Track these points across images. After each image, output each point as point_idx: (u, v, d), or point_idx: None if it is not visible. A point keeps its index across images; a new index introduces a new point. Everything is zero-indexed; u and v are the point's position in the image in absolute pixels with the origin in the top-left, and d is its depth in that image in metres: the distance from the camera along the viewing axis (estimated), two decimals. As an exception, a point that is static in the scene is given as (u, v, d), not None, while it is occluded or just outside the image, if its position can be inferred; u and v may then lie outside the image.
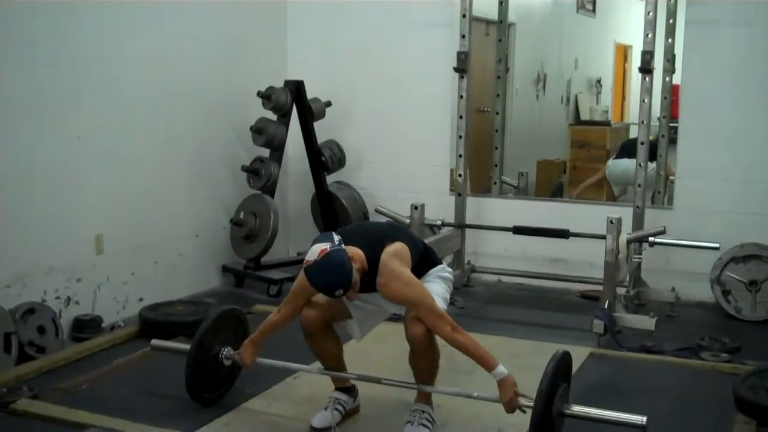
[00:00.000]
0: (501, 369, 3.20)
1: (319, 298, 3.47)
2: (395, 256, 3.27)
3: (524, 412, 3.15)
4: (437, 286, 3.48)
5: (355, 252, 3.20)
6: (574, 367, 4.23)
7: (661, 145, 6.29)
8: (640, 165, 5.32)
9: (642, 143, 5.31)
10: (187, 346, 3.74)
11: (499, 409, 3.23)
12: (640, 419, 3.08)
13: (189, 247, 5.79)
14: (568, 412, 3.21)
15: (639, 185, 5.35)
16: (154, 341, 4.08)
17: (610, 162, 7.35)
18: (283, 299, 5.57)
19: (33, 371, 4.14)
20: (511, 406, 3.19)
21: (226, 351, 3.73)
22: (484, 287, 6.11)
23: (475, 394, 3.34)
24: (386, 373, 3.66)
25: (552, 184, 7.63)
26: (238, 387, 3.93)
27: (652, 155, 5.92)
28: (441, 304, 3.41)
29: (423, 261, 3.51)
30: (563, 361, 3.28)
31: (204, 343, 3.70)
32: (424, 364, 3.43)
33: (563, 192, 7.51)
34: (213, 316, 3.79)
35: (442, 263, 3.65)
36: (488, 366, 3.21)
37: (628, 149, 6.95)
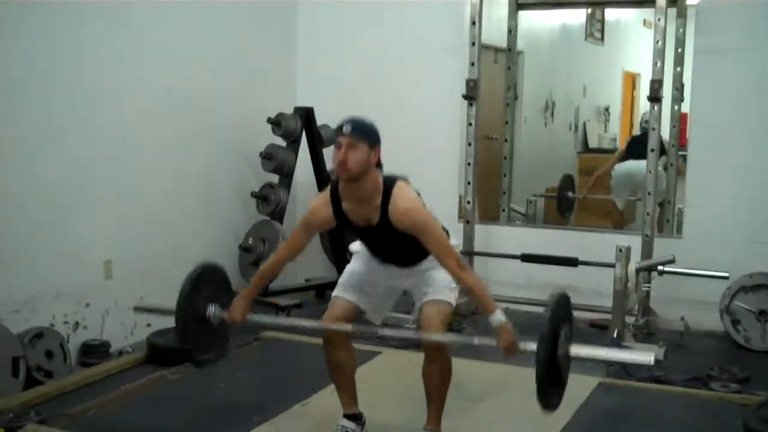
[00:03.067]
0: (499, 315, 3.19)
1: (336, 305, 3.52)
2: (408, 186, 3.32)
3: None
4: (443, 275, 3.44)
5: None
6: (583, 397, 4.24)
7: (669, 174, 6.30)
8: (649, 193, 5.34)
9: (650, 172, 5.33)
10: (171, 307, 3.61)
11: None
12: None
13: (197, 272, 5.78)
14: (574, 353, 3.17)
15: (648, 213, 5.37)
16: (136, 305, 3.99)
17: (616, 167, 7.34)
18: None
19: (40, 396, 4.12)
20: (509, 351, 3.17)
21: (214, 309, 3.61)
22: (492, 315, 6.07)
23: (476, 340, 3.32)
24: (396, 401, 3.65)
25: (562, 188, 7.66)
26: (246, 414, 3.92)
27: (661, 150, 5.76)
28: (451, 298, 3.46)
29: None
30: (562, 300, 3.21)
31: (188, 304, 3.56)
32: (437, 368, 3.43)
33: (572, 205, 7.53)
34: (193, 275, 3.62)
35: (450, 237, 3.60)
36: (486, 308, 3.22)
37: (633, 150, 6.92)
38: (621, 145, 8.83)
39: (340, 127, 3.26)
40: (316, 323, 3.60)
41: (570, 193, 7.64)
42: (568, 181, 7.70)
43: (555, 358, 3.08)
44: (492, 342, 3.21)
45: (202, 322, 3.61)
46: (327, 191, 3.41)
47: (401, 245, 3.36)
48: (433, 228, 3.25)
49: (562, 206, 7.62)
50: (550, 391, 3.11)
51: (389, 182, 3.29)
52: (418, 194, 3.35)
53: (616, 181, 7.29)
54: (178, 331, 3.58)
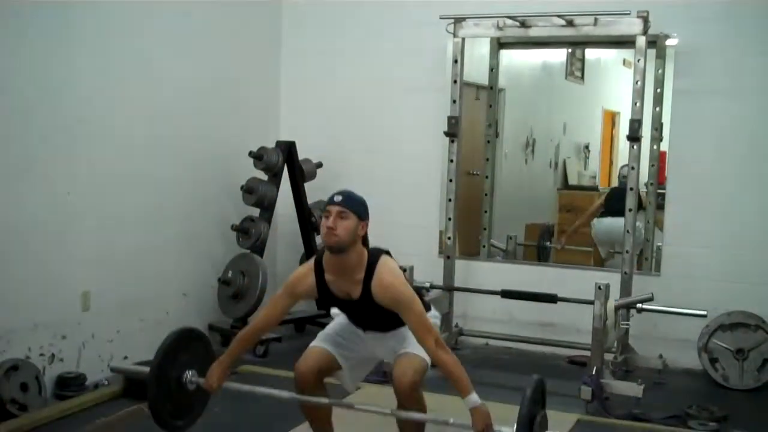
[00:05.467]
0: (475, 397, 3.18)
1: (312, 351, 3.48)
2: (392, 261, 3.36)
3: None
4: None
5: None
6: (562, 434, 4.23)
7: (648, 212, 6.34)
8: (627, 231, 5.38)
9: (630, 210, 5.37)
10: (146, 370, 3.57)
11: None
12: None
13: (176, 305, 5.76)
14: None
15: (627, 251, 5.39)
16: (113, 365, 3.90)
17: (595, 221, 7.39)
18: (271, 359, 5.59)
19: (14, 429, 4.07)
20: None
21: (190, 375, 3.59)
22: (471, 350, 6.08)
23: (451, 420, 3.29)
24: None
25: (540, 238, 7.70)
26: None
27: (639, 205, 5.79)
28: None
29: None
30: (539, 386, 3.21)
31: (164, 366, 3.53)
32: (410, 421, 3.42)
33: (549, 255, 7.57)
34: (170, 338, 3.61)
35: (431, 309, 3.64)
36: (463, 390, 3.19)
37: (612, 204, 6.97)
38: (601, 183, 8.91)
39: (331, 197, 3.30)
40: (290, 395, 3.56)
41: (548, 243, 7.70)
42: (546, 231, 7.78)
43: None
44: (467, 424, 3.19)
45: (177, 386, 3.58)
46: (312, 261, 3.43)
47: (381, 317, 3.38)
48: (414, 306, 3.27)
49: (541, 255, 7.68)
50: None
51: (373, 257, 3.32)
52: (403, 270, 3.37)
53: (597, 237, 7.34)
54: (151, 396, 3.51)
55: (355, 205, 3.29)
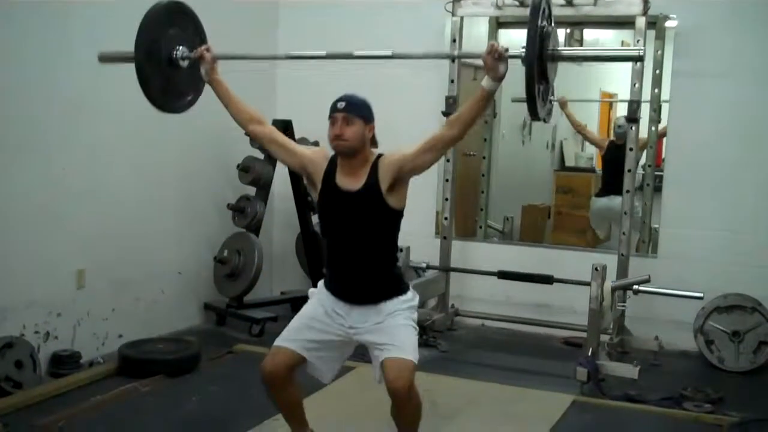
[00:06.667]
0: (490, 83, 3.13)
1: (279, 353, 3.33)
2: None
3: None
4: (406, 329, 3.28)
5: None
6: (557, 415, 4.24)
7: (646, 194, 6.34)
8: (625, 213, 5.37)
9: (627, 191, 5.36)
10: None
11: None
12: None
13: (171, 284, 5.74)
14: (561, 52, 3.12)
15: (624, 233, 5.39)
16: (101, 53, 3.72)
17: (592, 200, 7.39)
18: (266, 339, 5.58)
19: (9, 407, 4.06)
20: (493, 57, 3.11)
21: (181, 50, 3.45)
22: (467, 331, 6.08)
23: (456, 52, 3.20)
24: (367, 419, 3.62)
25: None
26: (217, 428, 3.86)
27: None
28: (415, 354, 3.21)
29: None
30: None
31: (152, 36, 3.36)
32: (407, 417, 3.30)
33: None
34: (156, 9, 3.42)
35: (410, 290, 3.39)
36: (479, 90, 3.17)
37: (609, 183, 6.96)
38: (597, 164, 8.88)
39: (334, 104, 3.28)
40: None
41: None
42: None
43: (542, 56, 3.02)
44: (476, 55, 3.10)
45: (168, 64, 3.43)
46: (331, 153, 3.39)
47: (372, 234, 3.25)
48: (412, 147, 3.28)
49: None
50: (537, 97, 3.07)
51: (380, 154, 3.33)
52: (400, 251, 3.33)
53: (595, 214, 7.33)
54: (141, 77, 3.39)
55: (359, 109, 3.28)
